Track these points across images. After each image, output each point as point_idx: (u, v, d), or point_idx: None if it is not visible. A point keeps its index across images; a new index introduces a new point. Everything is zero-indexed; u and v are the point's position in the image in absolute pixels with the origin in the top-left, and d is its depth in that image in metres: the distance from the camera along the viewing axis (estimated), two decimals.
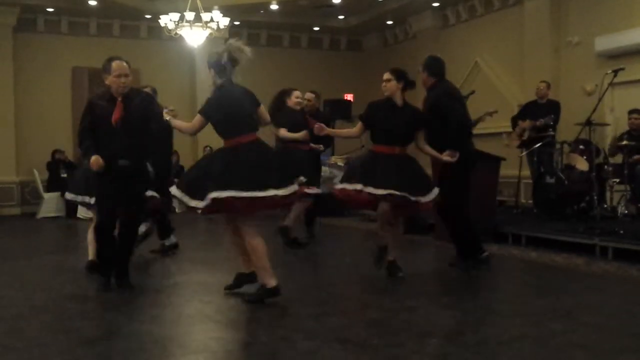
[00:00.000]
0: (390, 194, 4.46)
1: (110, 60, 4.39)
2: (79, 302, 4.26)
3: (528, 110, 8.03)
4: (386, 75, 4.70)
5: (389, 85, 4.66)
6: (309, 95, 6.91)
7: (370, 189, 4.51)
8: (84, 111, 4.46)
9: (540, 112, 7.78)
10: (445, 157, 4.74)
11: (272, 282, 3.95)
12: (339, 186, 4.75)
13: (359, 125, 4.82)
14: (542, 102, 7.96)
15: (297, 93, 6.46)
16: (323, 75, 12.75)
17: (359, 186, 4.55)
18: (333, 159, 10.28)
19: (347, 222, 9.10)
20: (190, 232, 7.93)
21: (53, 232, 9.12)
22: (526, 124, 7.88)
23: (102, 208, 4.48)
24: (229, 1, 10.64)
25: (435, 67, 5.08)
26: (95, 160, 4.23)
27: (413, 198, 4.54)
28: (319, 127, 4.75)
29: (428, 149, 4.79)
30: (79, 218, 9.59)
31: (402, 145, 4.69)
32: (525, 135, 7.88)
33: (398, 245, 4.94)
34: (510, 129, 8.53)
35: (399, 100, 4.68)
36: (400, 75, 4.69)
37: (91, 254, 5.13)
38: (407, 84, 4.70)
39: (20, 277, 5.15)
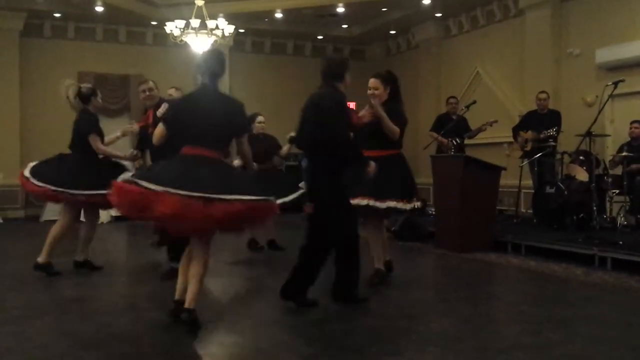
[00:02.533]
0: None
1: None
2: (80, 304, 4.31)
3: (529, 121, 8.08)
4: None
5: None
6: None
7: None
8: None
9: (541, 122, 7.83)
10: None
11: None
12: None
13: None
14: (542, 112, 8.00)
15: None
16: None
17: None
18: None
19: None
20: None
21: None
22: (528, 135, 7.91)
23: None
24: (234, 9, 10.73)
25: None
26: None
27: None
28: None
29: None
30: (82, 222, 9.61)
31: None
32: (529, 146, 7.91)
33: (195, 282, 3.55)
34: (511, 139, 8.57)
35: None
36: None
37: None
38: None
39: (23, 279, 5.18)
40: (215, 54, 3.81)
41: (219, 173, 3.47)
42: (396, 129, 4.66)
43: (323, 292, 4.40)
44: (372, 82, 4.72)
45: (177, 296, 3.71)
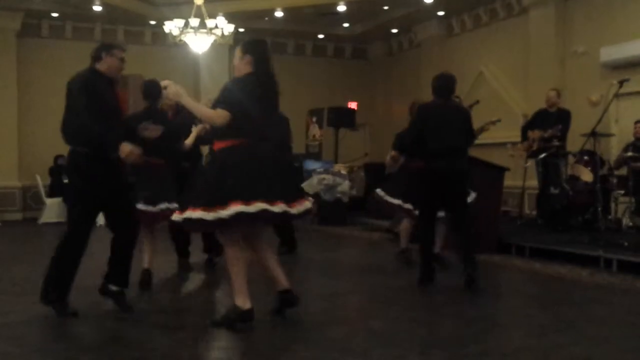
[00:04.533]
0: None
1: None
2: (80, 308, 4.23)
3: (538, 119, 7.93)
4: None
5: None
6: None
7: None
8: None
9: (550, 121, 7.67)
10: None
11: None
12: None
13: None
14: (551, 110, 7.85)
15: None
16: (327, 83, 12.76)
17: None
18: (336, 167, 10.27)
19: (349, 230, 9.07)
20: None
21: (54, 238, 9.05)
22: (535, 134, 7.79)
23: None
24: (233, 8, 10.67)
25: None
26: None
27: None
28: None
29: None
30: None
31: None
32: (535, 146, 7.80)
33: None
34: (515, 139, 8.47)
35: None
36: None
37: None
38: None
39: (22, 283, 5.12)
40: (153, 81, 4.84)
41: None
42: (210, 113, 3.59)
43: (322, 294, 4.34)
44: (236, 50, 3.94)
45: (147, 265, 4.82)
